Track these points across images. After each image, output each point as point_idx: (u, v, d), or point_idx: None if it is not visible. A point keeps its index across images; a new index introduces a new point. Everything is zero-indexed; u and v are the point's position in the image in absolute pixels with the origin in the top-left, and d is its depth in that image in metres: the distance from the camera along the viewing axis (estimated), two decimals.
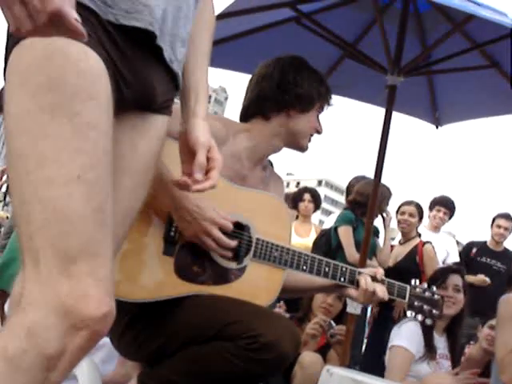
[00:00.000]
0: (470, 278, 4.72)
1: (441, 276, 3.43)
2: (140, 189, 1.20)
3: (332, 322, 3.32)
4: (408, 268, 4.42)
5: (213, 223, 1.73)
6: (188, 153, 1.30)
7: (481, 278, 5.08)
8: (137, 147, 1.16)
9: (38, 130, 0.95)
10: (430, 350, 3.19)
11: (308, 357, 3.02)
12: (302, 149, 2.08)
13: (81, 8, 1.00)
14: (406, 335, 3.22)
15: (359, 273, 2.00)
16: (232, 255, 1.81)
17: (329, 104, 2.09)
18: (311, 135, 2.06)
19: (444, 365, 3.25)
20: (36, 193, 0.94)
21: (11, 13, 0.83)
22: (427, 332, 3.20)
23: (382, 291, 1.98)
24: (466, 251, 5.49)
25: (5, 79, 1.04)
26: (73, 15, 0.82)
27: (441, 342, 3.29)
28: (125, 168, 1.10)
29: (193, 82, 1.35)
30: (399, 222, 4.73)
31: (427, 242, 4.57)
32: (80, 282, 0.92)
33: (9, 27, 1.04)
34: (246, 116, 2.04)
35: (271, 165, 2.17)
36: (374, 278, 2.00)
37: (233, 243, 1.78)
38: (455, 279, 3.35)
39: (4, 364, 0.89)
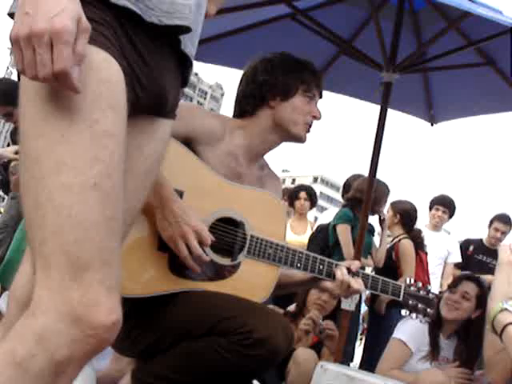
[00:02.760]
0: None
1: (456, 281, 3.42)
2: (141, 190, 1.20)
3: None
4: (384, 264, 4.44)
5: (193, 231, 1.71)
6: None
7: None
8: (142, 150, 1.17)
9: (57, 134, 0.95)
10: (433, 349, 3.19)
11: (302, 353, 3.02)
12: (298, 138, 2.03)
13: (106, 12, 1.03)
14: (408, 330, 3.21)
15: (336, 265, 1.99)
16: (201, 270, 1.77)
17: (319, 87, 2.04)
18: (307, 123, 2.02)
19: (443, 369, 3.24)
20: (51, 198, 0.93)
21: (22, 55, 0.89)
22: (433, 332, 3.20)
23: (356, 283, 1.97)
24: (463, 249, 5.45)
25: (19, 79, 1.04)
26: (75, 76, 0.89)
27: (445, 345, 3.27)
28: (129, 170, 1.10)
29: None
30: None
31: (404, 238, 4.56)
32: (91, 290, 0.92)
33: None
34: (237, 117, 2.05)
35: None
36: (349, 270, 1.99)
37: (206, 258, 1.75)
38: (467, 286, 3.29)
39: (12, 368, 0.89)
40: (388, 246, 4.65)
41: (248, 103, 2.01)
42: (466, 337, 3.26)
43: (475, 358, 3.23)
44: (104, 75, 0.99)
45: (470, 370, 3.20)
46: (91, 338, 0.92)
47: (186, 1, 1.13)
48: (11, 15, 1.08)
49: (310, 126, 2.04)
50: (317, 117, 2.03)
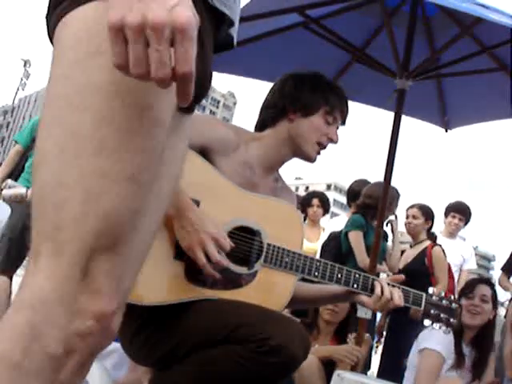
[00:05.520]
0: None
1: (469, 286, 3.42)
2: (172, 193, 1.11)
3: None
4: (417, 270, 4.38)
5: (212, 238, 1.72)
6: None
7: None
8: (175, 151, 1.06)
9: (106, 113, 0.84)
10: (459, 357, 3.17)
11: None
12: (307, 156, 2.02)
13: None
14: (438, 340, 3.20)
15: (373, 280, 1.98)
16: (225, 277, 1.77)
17: (343, 113, 2.03)
18: (320, 144, 2.01)
19: (465, 377, 3.22)
20: (81, 181, 0.84)
21: (125, 48, 0.75)
22: (458, 340, 3.18)
23: (398, 297, 1.95)
24: None
25: (51, 37, 0.92)
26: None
27: (468, 353, 3.26)
28: (165, 173, 1.01)
29: None
30: (405, 225, 4.74)
31: (437, 245, 4.54)
32: (96, 280, 0.87)
33: None
34: (259, 129, 2.07)
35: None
36: (389, 285, 1.98)
37: (225, 262, 1.75)
38: (483, 289, 3.32)
39: (9, 370, 0.82)
40: (412, 251, 4.62)
41: (270, 113, 2.03)
42: (479, 342, 3.24)
43: (486, 360, 3.21)
44: None
45: (480, 375, 3.19)
46: (93, 328, 0.87)
47: None
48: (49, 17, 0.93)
49: (324, 148, 2.03)
50: (333, 140, 2.02)
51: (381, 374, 4.26)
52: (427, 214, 4.66)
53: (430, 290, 2.10)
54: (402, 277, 2.04)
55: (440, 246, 4.57)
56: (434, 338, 3.22)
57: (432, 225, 4.69)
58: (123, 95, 0.84)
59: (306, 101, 1.99)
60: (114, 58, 0.75)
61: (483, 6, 2.88)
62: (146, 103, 0.86)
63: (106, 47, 0.81)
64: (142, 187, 0.88)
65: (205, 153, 1.85)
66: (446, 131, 4.52)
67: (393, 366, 3.98)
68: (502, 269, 5.00)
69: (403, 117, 3.62)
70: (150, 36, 0.73)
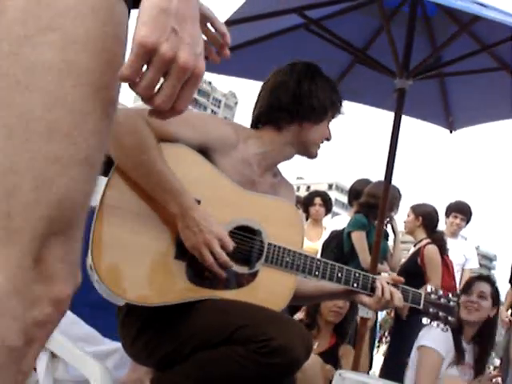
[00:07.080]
0: None
1: (469, 283, 3.44)
2: None
3: None
4: (410, 269, 4.39)
5: (216, 238, 1.73)
6: None
7: None
8: None
9: (58, 94, 0.79)
10: (459, 354, 3.18)
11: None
12: (312, 156, 2.09)
13: None
14: (435, 337, 3.21)
15: (374, 279, 1.99)
16: (226, 276, 1.79)
17: (339, 112, 2.08)
18: (322, 143, 2.07)
19: (466, 373, 3.23)
20: (32, 166, 0.79)
21: (141, 65, 0.76)
22: (457, 337, 3.19)
23: (398, 298, 1.97)
24: None
25: None
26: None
27: (467, 350, 3.27)
28: None
29: None
30: None
31: (430, 244, 4.51)
32: (51, 266, 0.84)
33: None
34: (257, 123, 2.04)
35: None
36: (389, 284, 1.99)
37: (230, 263, 1.76)
38: (481, 286, 3.33)
39: None
40: (412, 250, 4.63)
41: (280, 117, 1.98)
42: (481, 338, 3.26)
43: (486, 357, 3.22)
44: (122, 32, 0.84)
45: (481, 371, 3.20)
46: (51, 315, 0.84)
47: None
48: None
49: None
50: (329, 139, 2.09)
51: (384, 374, 4.27)
52: (417, 211, 4.65)
53: (429, 288, 2.11)
54: (402, 279, 2.05)
55: (440, 244, 4.52)
56: (432, 336, 3.23)
57: (426, 221, 4.62)
58: (77, 75, 0.80)
59: (319, 110, 2.00)
60: (126, 70, 0.76)
61: (482, 4, 2.88)
62: (101, 83, 0.82)
63: (58, 23, 0.79)
64: (93, 168, 0.85)
65: (204, 151, 1.84)
66: (451, 132, 4.50)
67: (396, 366, 3.99)
68: (510, 281, 4.99)
69: (409, 118, 3.63)
70: (174, 72, 0.76)
